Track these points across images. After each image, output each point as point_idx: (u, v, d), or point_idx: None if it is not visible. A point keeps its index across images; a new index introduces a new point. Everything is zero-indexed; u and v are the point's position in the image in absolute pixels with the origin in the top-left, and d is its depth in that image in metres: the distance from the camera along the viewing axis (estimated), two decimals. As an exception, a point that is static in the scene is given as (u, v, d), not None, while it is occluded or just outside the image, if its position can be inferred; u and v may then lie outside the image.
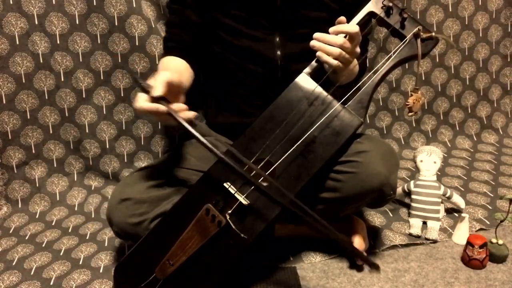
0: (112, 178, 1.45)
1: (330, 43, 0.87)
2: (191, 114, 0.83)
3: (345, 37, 0.87)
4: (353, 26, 0.86)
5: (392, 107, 1.63)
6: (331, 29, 0.86)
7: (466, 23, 1.59)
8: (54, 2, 1.26)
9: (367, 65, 1.21)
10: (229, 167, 0.77)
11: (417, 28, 0.89)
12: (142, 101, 0.79)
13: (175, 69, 1.01)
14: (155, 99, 0.79)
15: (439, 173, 1.41)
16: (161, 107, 0.79)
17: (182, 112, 0.82)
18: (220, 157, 0.77)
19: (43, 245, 1.21)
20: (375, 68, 0.92)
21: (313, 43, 0.88)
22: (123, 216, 0.94)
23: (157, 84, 0.79)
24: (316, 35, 0.88)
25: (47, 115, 1.36)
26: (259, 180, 0.83)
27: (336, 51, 0.87)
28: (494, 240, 1.07)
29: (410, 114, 0.91)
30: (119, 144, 1.42)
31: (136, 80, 0.82)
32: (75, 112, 1.37)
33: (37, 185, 1.40)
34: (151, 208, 0.95)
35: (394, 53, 0.91)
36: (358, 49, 0.90)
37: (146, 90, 0.81)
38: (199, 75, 1.12)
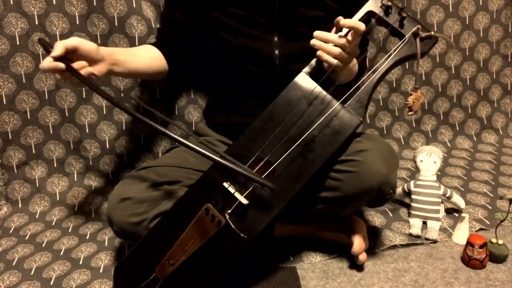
0: (112, 178, 1.45)
1: (331, 42, 0.87)
2: (92, 70, 0.89)
3: (347, 33, 0.87)
4: (361, 23, 0.86)
5: (392, 107, 1.63)
6: (342, 21, 0.86)
7: (467, 23, 1.59)
8: (54, 3, 1.26)
9: (367, 64, 1.21)
10: (193, 150, 0.79)
11: (416, 27, 0.89)
12: (45, 61, 0.85)
13: (128, 49, 1.09)
14: (56, 59, 0.85)
15: (439, 173, 1.41)
16: (59, 64, 0.84)
17: (83, 69, 0.87)
18: (178, 140, 0.79)
19: (43, 245, 1.21)
20: (374, 67, 0.92)
21: (313, 42, 0.88)
22: (123, 216, 0.94)
23: (57, 45, 0.85)
24: (317, 33, 0.88)
25: (47, 115, 1.37)
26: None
27: (337, 50, 0.87)
28: (494, 240, 1.07)
29: (410, 113, 0.91)
30: (119, 144, 1.42)
31: (40, 42, 0.89)
32: (75, 112, 1.37)
33: (37, 185, 1.40)
34: (151, 208, 0.95)
35: (393, 52, 0.91)
36: (357, 48, 0.91)
37: (48, 51, 0.86)
38: (178, 70, 1.16)
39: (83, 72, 0.86)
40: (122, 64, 0.99)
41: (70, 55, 0.88)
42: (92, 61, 0.91)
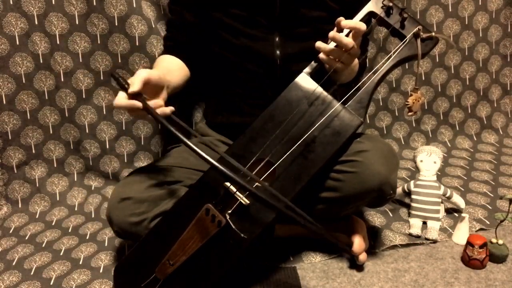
0: (112, 178, 1.45)
1: (343, 45, 0.85)
2: (168, 109, 0.87)
3: (348, 33, 0.87)
4: (361, 23, 0.85)
5: (392, 107, 1.63)
6: (343, 22, 0.84)
7: (466, 23, 1.59)
8: (54, 2, 1.26)
9: (367, 65, 1.21)
10: (207, 162, 0.78)
11: (417, 28, 0.89)
12: (120, 98, 0.82)
13: (165, 67, 1.05)
14: (132, 96, 0.82)
15: (439, 173, 1.41)
16: (137, 103, 0.81)
17: (159, 108, 0.85)
18: (201, 155, 0.77)
19: (43, 245, 1.21)
20: (375, 68, 0.92)
21: (318, 44, 0.88)
22: (123, 216, 0.94)
23: (135, 81, 0.82)
24: (333, 34, 0.84)
25: (47, 115, 1.37)
26: (254, 185, 0.82)
27: (340, 52, 0.86)
28: (494, 240, 1.07)
29: (410, 113, 0.91)
30: (119, 144, 1.42)
31: (114, 77, 0.86)
32: (75, 112, 1.37)
33: (37, 185, 1.40)
34: (151, 208, 0.95)
35: (394, 53, 0.91)
36: (358, 49, 0.91)
37: (124, 87, 0.83)
38: (197, 74, 1.14)
39: (159, 111, 0.84)
40: (170, 85, 0.96)
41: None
42: (158, 90, 0.89)
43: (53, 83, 1.34)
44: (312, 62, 0.93)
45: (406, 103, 0.90)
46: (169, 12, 1.18)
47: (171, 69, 1.05)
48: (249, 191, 0.76)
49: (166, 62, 1.08)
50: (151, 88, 0.87)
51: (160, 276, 0.89)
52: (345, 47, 0.85)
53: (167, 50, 1.12)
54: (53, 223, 1.32)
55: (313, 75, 0.93)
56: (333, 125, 0.90)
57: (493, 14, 1.61)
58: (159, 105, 0.87)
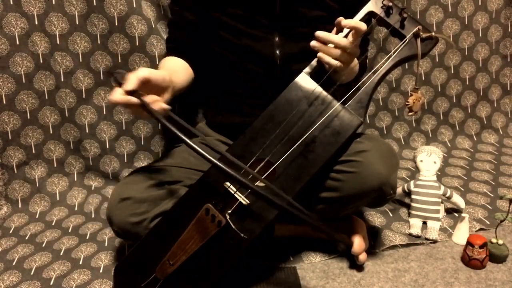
0: (112, 178, 1.45)
1: (333, 43, 0.86)
2: (165, 106, 0.85)
3: (348, 33, 0.87)
4: (362, 23, 0.85)
5: (392, 107, 1.63)
6: (343, 22, 0.85)
7: (466, 23, 1.59)
8: (54, 2, 1.26)
9: (367, 65, 1.21)
10: (207, 160, 0.77)
11: (416, 28, 0.89)
12: (116, 94, 0.81)
13: (170, 68, 1.04)
14: (128, 93, 0.81)
15: (439, 173, 1.41)
16: (132, 99, 0.80)
17: (155, 103, 0.83)
18: (198, 151, 0.77)
19: (43, 245, 1.21)
20: (375, 68, 0.92)
21: (313, 43, 0.88)
22: (123, 216, 0.94)
23: (131, 78, 0.81)
24: (318, 33, 0.87)
25: (47, 115, 1.37)
26: (256, 183, 0.82)
27: (337, 51, 0.87)
28: (494, 240, 1.07)
29: (410, 114, 0.91)
30: (119, 144, 1.42)
31: (111, 73, 0.83)
32: (75, 112, 1.37)
33: (37, 185, 1.40)
34: (151, 208, 0.95)
35: (393, 53, 0.91)
36: (357, 49, 0.91)
37: (119, 83, 0.82)
38: (200, 74, 1.13)
39: (155, 107, 0.82)
40: (175, 86, 0.95)
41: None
42: (160, 90, 0.88)
43: (53, 83, 1.34)
44: (312, 62, 0.93)
45: (407, 103, 0.90)
46: (170, 13, 1.17)
47: (177, 70, 1.03)
48: (249, 188, 0.75)
49: (171, 63, 1.07)
50: (152, 88, 0.85)
51: (160, 276, 0.89)
52: (336, 44, 0.86)
53: (170, 52, 1.11)
54: (53, 223, 1.32)
55: (313, 75, 0.93)
56: (333, 125, 0.90)
57: (493, 14, 1.61)
58: (155, 100, 0.84)
